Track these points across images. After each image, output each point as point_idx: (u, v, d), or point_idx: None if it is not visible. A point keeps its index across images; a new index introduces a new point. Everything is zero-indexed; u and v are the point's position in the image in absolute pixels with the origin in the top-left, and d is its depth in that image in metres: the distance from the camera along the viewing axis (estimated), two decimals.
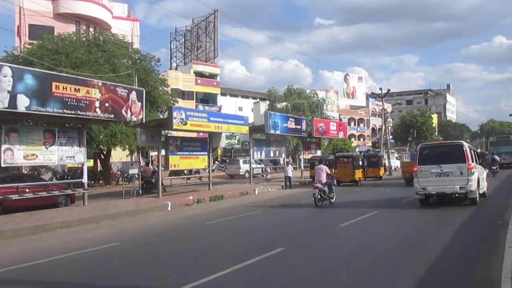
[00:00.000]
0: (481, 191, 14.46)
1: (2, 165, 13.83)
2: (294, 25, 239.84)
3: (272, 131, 26.40)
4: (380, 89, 48.34)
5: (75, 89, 14.48)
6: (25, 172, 25.61)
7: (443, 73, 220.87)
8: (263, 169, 34.14)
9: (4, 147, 13.61)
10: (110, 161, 31.26)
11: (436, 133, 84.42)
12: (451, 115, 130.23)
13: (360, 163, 27.06)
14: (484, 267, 6.56)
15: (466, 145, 13.93)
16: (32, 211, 14.46)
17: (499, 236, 8.35)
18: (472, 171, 13.28)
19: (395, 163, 41.10)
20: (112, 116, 16.13)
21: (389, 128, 56.63)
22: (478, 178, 13.84)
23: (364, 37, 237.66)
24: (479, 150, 48.85)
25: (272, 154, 29.43)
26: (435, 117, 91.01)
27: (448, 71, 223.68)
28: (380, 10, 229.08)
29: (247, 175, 31.68)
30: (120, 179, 29.35)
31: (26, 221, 12.59)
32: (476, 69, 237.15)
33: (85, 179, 16.96)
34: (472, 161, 13.58)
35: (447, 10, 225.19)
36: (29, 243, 10.19)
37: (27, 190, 15.59)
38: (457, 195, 13.58)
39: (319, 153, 33.67)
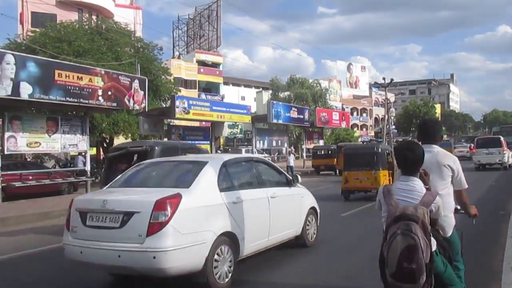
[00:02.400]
0: (509, 163, 25.54)
1: (6, 153, 13.91)
2: (296, 14, 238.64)
3: (274, 121, 26.38)
4: (383, 78, 48.13)
5: (77, 77, 14.47)
6: (29, 159, 25.72)
7: (446, 62, 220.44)
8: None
9: (7, 134, 13.66)
10: None
11: None
12: (455, 105, 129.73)
13: None
14: (485, 257, 6.59)
15: (502, 138, 25.71)
16: (35, 199, 14.54)
17: (501, 226, 8.36)
18: (505, 152, 24.89)
19: None
20: (114, 104, 16.14)
21: (392, 118, 56.58)
22: (508, 156, 25.51)
23: (367, 26, 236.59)
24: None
25: (274, 144, 29.44)
26: (438, 107, 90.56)
27: (452, 60, 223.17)
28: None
29: None
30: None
31: (29, 208, 12.66)
32: (479, 58, 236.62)
33: (88, 167, 17.02)
34: (506, 147, 25.33)
35: None
36: (33, 230, 10.26)
37: (30, 177, 15.68)
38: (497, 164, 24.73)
39: (321, 142, 33.66)
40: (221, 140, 55.38)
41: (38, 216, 11.59)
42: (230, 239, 5.42)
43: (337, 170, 26.62)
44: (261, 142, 27.87)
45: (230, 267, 5.38)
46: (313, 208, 7.69)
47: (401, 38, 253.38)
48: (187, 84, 52.38)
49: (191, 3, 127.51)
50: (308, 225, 7.44)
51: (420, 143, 3.50)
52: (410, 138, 68.35)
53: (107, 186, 6.23)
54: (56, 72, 13.82)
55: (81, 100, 14.63)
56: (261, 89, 67.01)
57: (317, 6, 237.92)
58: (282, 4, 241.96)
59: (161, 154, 8.59)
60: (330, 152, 27.83)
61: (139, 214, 4.78)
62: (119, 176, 6.29)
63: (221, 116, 21.36)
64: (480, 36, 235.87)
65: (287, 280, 5.75)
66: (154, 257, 4.68)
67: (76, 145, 16.16)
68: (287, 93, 52.04)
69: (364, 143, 37.80)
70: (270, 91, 55.88)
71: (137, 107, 17.39)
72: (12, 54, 13.14)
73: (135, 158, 8.84)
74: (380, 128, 70.73)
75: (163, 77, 28.88)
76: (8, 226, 10.61)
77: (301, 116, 29.52)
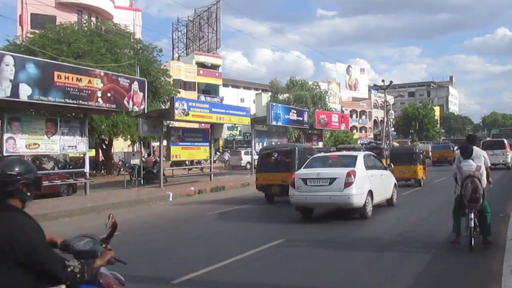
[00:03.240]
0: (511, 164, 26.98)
1: (4, 154, 13.84)
2: (296, 16, 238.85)
3: (274, 123, 26.36)
4: (383, 81, 48.33)
5: (77, 78, 14.46)
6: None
7: (445, 65, 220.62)
8: None
9: (6, 136, 13.63)
10: (112, 151, 31.31)
11: (438, 125, 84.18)
12: (454, 107, 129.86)
13: None
14: (485, 260, 6.58)
15: (505, 141, 27.00)
16: (34, 200, 14.43)
17: (500, 229, 8.35)
18: (508, 153, 26.46)
19: None
20: (114, 106, 16.13)
21: (391, 120, 56.59)
22: (511, 157, 26.90)
23: (367, 29, 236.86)
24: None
25: None
26: (437, 110, 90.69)
27: (451, 63, 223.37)
28: (383, 1, 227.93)
29: (248, 166, 31.70)
30: (121, 169, 29.41)
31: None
32: (478, 61, 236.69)
33: (87, 169, 17.00)
34: (510, 149, 26.82)
35: (450, 2, 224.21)
36: None
37: None
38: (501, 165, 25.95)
39: (320, 144, 33.63)
40: (220, 142, 55.35)
41: (36, 218, 11.52)
42: (370, 194, 10.46)
43: None
44: (260, 144, 27.83)
45: (370, 208, 10.49)
46: (395, 184, 12.86)
47: (400, 41, 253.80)
48: (187, 85, 52.39)
49: (191, 5, 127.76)
50: (393, 193, 12.53)
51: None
52: (409, 141, 68.41)
53: (303, 166, 11.55)
54: (56, 73, 13.81)
55: (80, 101, 14.61)
56: (260, 91, 66.98)
57: (317, 8, 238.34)
58: (281, 6, 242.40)
59: (299, 153, 14.39)
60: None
61: (339, 179, 10.04)
62: (306, 163, 11.78)
63: (220, 118, 21.34)
64: (479, 39, 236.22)
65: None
66: (348, 198, 9.92)
67: (75, 146, 16.13)
68: (286, 95, 51.97)
69: (363, 145, 37.71)
70: (270, 93, 55.80)
71: (136, 108, 17.37)
72: (12, 56, 13.12)
73: (275, 155, 15.21)
74: (379, 130, 70.80)
75: (162, 78, 28.90)
76: None
77: (301, 118, 29.50)
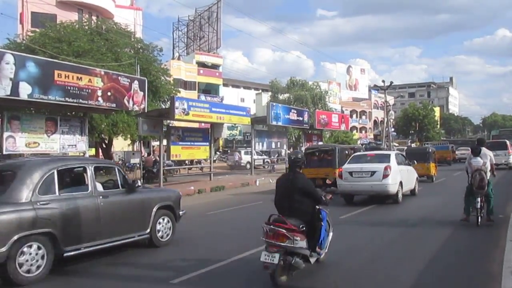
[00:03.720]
0: None
1: (4, 153, 13.84)
2: (296, 16, 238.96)
3: (274, 123, 26.35)
4: (383, 81, 48.21)
5: (77, 77, 14.44)
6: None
7: (445, 65, 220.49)
8: (264, 161, 34.23)
9: (6, 134, 13.63)
10: (112, 150, 31.27)
11: (438, 126, 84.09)
12: (454, 108, 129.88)
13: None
14: (484, 261, 6.58)
15: (507, 142, 28.29)
16: None
17: (500, 229, 8.35)
18: (510, 154, 27.43)
19: None
20: (114, 105, 16.11)
21: (391, 120, 56.58)
22: None
23: (367, 29, 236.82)
24: None
25: (273, 146, 29.44)
26: (437, 110, 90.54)
27: (451, 63, 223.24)
28: (383, 2, 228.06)
29: (248, 166, 31.72)
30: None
31: None
32: (479, 62, 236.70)
33: None
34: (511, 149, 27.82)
35: (450, 2, 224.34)
36: None
37: None
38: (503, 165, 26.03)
39: None
40: (220, 142, 55.39)
41: None
42: (400, 184, 13.03)
43: None
44: (260, 144, 27.87)
45: (401, 196, 13.07)
46: (417, 177, 15.58)
47: (400, 41, 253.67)
48: (187, 85, 52.38)
49: (191, 4, 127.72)
50: (416, 185, 15.29)
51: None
52: (409, 141, 68.40)
53: (347, 162, 14.35)
54: (56, 72, 13.78)
55: (80, 100, 14.59)
56: (260, 91, 66.98)
57: (317, 8, 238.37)
58: (282, 6, 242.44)
59: (339, 151, 17.17)
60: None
61: (378, 172, 12.70)
62: (349, 159, 14.72)
63: (220, 118, 21.34)
64: (479, 40, 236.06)
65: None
66: (386, 186, 12.61)
67: (75, 145, 16.13)
68: (286, 95, 51.91)
69: (363, 145, 37.70)
70: (270, 93, 55.77)
71: (136, 108, 17.35)
72: (12, 54, 13.09)
73: (319, 153, 17.91)
74: (379, 130, 70.81)
75: (162, 78, 28.86)
76: None
77: (301, 118, 29.50)
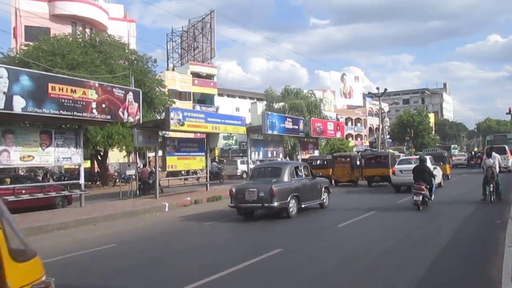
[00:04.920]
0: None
1: None
2: (289, 25, 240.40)
3: (269, 132, 26.31)
4: (377, 88, 48.44)
5: (71, 90, 14.39)
6: (22, 173, 25.50)
7: (438, 71, 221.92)
8: None
9: (0, 148, 13.53)
10: (107, 162, 31.18)
11: (433, 132, 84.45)
12: (448, 114, 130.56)
13: (358, 163, 27.03)
14: (484, 267, 6.54)
15: (507, 147, 31.09)
16: (28, 213, 14.34)
17: (498, 235, 8.33)
18: (509, 158, 30.23)
19: None
20: (109, 117, 16.05)
21: (386, 127, 56.77)
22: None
23: (359, 37, 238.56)
24: (476, 149, 59.34)
25: (269, 155, 29.34)
26: (432, 116, 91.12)
27: (444, 70, 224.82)
28: (375, 10, 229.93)
29: (244, 175, 31.62)
30: (117, 180, 29.26)
31: (23, 222, 12.45)
32: (471, 67, 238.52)
33: (82, 180, 16.89)
34: (511, 154, 30.96)
35: (442, 9, 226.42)
36: None
37: (23, 191, 15.50)
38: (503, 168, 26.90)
39: (316, 153, 33.63)
40: (216, 152, 55.29)
41: (32, 231, 11.42)
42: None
43: (333, 180, 26.56)
44: (256, 153, 27.78)
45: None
46: (442, 175, 21.59)
47: (393, 48, 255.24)
48: (182, 96, 52.38)
49: (185, 15, 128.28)
50: (443, 179, 21.82)
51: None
52: (405, 148, 68.59)
53: (397, 164, 20.82)
54: (50, 85, 13.74)
55: (75, 113, 14.53)
56: (255, 100, 67.10)
57: (310, 17, 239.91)
58: (274, 15, 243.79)
59: (391, 156, 24.22)
60: (325, 162, 27.82)
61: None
62: (398, 161, 21.57)
63: (216, 128, 21.31)
64: (471, 46, 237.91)
65: None
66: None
67: (70, 158, 16.02)
68: (281, 103, 52.01)
69: (359, 152, 37.74)
70: (265, 102, 55.87)
71: (131, 119, 17.30)
72: (5, 68, 13.03)
73: (376, 157, 24.92)
74: (375, 137, 70.92)
75: (157, 89, 28.91)
76: None
77: (296, 127, 29.50)
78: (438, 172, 19.57)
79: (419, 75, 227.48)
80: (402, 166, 19.45)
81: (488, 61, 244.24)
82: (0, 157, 13.53)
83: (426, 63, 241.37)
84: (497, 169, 14.01)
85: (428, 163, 16.81)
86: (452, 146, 73.47)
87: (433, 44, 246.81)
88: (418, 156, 20.75)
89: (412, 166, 16.06)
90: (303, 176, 13.58)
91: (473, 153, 49.21)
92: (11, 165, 14.50)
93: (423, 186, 12.85)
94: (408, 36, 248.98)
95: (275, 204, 11.81)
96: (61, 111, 14.02)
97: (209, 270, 6.76)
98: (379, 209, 13.58)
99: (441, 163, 24.03)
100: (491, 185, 13.79)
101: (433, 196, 13.49)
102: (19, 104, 12.79)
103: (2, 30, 71.18)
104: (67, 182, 20.51)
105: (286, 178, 12.61)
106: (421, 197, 12.67)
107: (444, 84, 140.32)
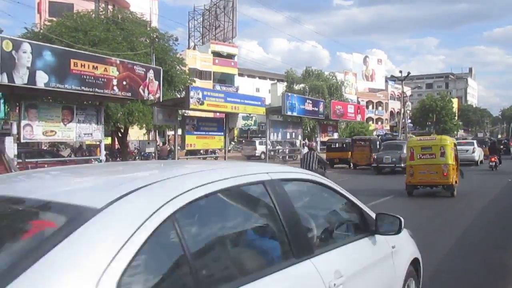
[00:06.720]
0: None
1: (22, 141, 14.02)
2: (312, 6, 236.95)
3: (289, 113, 26.22)
4: (400, 72, 47.52)
5: (93, 66, 14.49)
6: (45, 148, 26.01)
7: (464, 56, 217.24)
8: (279, 151, 33.99)
9: (23, 122, 13.75)
10: (127, 139, 31.52)
11: (456, 117, 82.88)
12: (472, 100, 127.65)
13: (378, 147, 26.78)
14: (500, 253, 6.46)
15: None
16: None
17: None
18: None
19: None
20: (129, 94, 16.15)
21: (408, 112, 55.91)
22: None
23: (384, 19, 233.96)
24: (499, 136, 61.31)
25: (288, 136, 29.27)
26: (455, 102, 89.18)
27: (470, 54, 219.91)
28: None
29: (263, 156, 31.67)
30: (137, 157, 29.64)
31: None
32: (499, 52, 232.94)
33: (102, 156, 17.13)
34: None
35: None
36: None
37: (46, 165, 15.82)
38: None
39: (336, 136, 33.42)
40: (235, 132, 55.43)
41: None
42: (479, 156, 27.93)
43: (351, 164, 26.41)
44: (275, 134, 27.73)
45: (481, 160, 27.30)
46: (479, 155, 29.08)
47: (418, 31, 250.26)
48: (202, 75, 52.40)
49: None
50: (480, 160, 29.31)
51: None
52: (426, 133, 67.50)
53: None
54: (72, 61, 13.84)
55: (96, 89, 14.65)
56: (276, 81, 66.71)
57: None
58: None
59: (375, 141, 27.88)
60: (344, 145, 27.64)
61: (469, 150, 27.21)
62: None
63: (235, 108, 21.29)
64: (500, 30, 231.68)
65: None
66: (473, 156, 26.82)
67: (91, 134, 16.23)
68: (302, 85, 51.57)
69: (379, 136, 37.38)
70: (285, 83, 55.48)
71: (151, 97, 17.38)
72: (29, 43, 13.17)
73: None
74: (396, 122, 70.05)
75: (178, 67, 28.90)
76: None
77: (316, 109, 29.30)
78: (480, 152, 26.82)
79: (444, 59, 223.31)
80: (459, 147, 20.54)
81: None
82: (23, 131, 13.77)
83: (451, 47, 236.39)
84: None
85: (475, 145, 26.17)
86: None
87: (459, 28, 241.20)
88: (464, 140, 28.47)
89: (466, 147, 24.97)
90: None
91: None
92: (34, 139, 14.76)
93: (495, 158, 22.14)
94: (433, 19, 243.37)
95: (402, 165, 18.20)
96: (82, 87, 14.14)
97: None
98: (396, 194, 13.47)
99: (484, 146, 29.39)
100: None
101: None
102: (42, 80, 12.93)
103: (26, 5, 71.93)
104: (88, 157, 20.85)
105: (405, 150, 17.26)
106: (494, 163, 21.94)
107: (470, 69, 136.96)
